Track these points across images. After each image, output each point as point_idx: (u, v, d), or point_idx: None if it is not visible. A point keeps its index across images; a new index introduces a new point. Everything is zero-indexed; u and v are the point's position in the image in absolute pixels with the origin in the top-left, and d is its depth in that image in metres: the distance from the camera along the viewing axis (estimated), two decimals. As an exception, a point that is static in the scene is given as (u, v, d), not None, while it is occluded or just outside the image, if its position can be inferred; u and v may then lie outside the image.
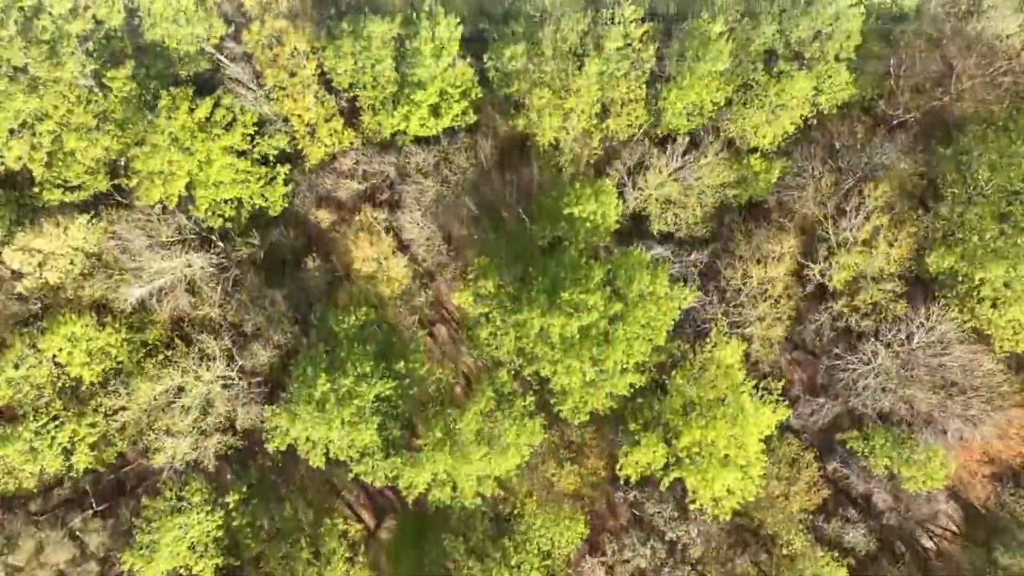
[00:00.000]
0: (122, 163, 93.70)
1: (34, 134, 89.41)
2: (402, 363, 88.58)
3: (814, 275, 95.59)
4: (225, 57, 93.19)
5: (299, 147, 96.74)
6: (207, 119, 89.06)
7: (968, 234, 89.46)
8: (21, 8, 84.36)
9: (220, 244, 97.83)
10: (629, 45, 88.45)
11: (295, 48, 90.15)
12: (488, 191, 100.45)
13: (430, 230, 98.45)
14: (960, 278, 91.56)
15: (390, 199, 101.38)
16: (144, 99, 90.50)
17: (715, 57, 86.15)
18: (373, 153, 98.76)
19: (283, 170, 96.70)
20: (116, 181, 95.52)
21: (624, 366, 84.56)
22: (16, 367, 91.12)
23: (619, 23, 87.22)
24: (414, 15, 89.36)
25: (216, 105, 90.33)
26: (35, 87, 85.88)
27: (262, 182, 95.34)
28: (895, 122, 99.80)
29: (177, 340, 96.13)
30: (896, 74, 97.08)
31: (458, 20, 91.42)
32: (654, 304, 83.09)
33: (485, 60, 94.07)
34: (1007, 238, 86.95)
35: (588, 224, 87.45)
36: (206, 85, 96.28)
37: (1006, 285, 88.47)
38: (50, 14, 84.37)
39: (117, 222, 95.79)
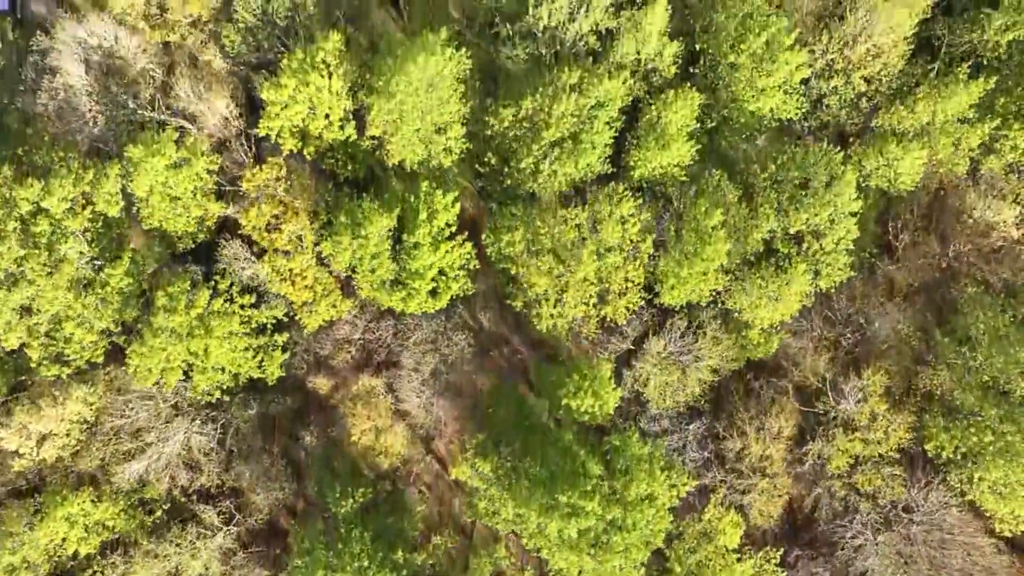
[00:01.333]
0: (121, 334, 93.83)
1: (31, 316, 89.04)
2: (400, 553, 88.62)
3: (812, 454, 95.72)
4: (223, 238, 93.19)
5: (297, 317, 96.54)
6: (205, 309, 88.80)
7: (966, 431, 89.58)
8: (18, 216, 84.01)
9: (216, 414, 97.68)
10: (627, 243, 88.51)
11: (294, 236, 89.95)
12: (487, 357, 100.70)
13: (428, 398, 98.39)
14: (960, 463, 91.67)
15: (388, 359, 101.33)
16: (141, 286, 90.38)
17: (712, 257, 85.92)
18: (371, 319, 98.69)
19: (281, 339, 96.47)
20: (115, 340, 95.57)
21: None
22: (12, 552, 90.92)
23: (618, 221, 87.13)
24: (411, 198, 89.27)
25: (214, 293, 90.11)
26: (33, 281, 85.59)
27: (260, 356, 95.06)
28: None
29: (174, 513, 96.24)
30: (894, 245, 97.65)
31: (455, 195, 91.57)
32: (653, 507, 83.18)
33: (483, 238, 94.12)
34: (1007, 437, 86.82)
35: (586, 415, 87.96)
36: (204, 253, 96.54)
37: (1005, 485, 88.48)
38: (48, 215, 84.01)
39: (114, 388, 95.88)
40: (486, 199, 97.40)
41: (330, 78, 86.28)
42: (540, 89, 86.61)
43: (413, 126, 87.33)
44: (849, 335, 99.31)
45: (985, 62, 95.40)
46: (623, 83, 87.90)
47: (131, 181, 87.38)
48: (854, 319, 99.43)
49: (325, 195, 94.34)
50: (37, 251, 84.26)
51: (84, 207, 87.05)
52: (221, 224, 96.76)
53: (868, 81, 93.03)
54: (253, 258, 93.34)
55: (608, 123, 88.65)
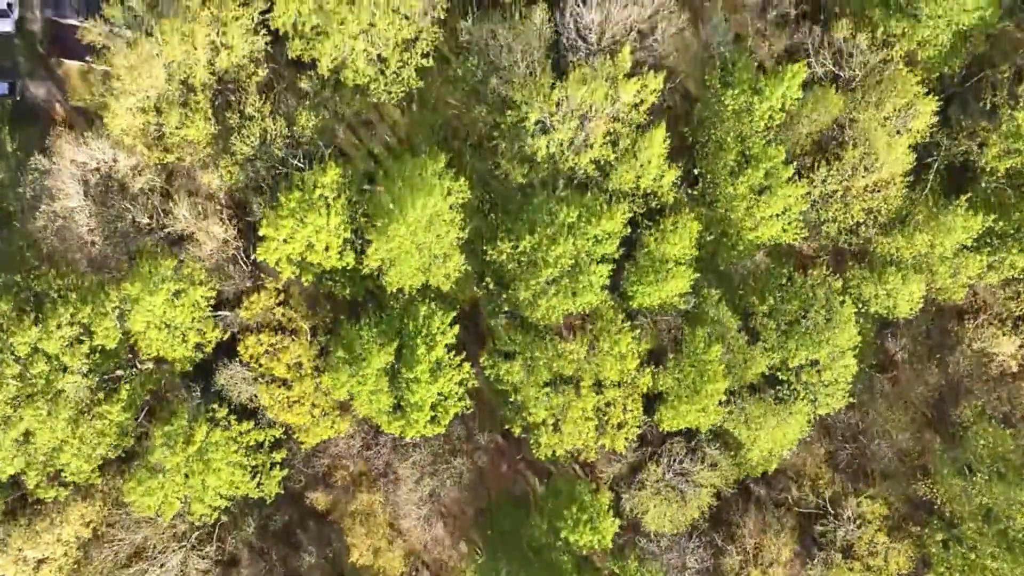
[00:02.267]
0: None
1: (29, 443, 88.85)
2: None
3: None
4: (221, 362, 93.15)
5: (295, 436, 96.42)
6: (203, 441, 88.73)
7: (966, 561, 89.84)
8: (14, 356, 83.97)
9: (215, 532, 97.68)
10: (624, 381, 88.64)
11: (292, 363, 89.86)
12: (486, 478, 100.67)
13: (427, 516, 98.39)
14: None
15: (386, 473, 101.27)
16: (139, 421, 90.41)
17: (711, 395, 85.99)
18: (370, 434, 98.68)
19: (279, 456, 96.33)
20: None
21: None
22: None
23: (617, 357, 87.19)
24: (410, 325, 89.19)
25: (212, 421, 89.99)
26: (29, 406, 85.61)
27: (258, 475, 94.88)
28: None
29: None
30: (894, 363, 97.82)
31: (454, 314, 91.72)
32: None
33: (482, 364, 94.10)
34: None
35: (585, 548, 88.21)
36: (202, 369, 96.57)
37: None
38: (46, 354, 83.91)
39: (111, 501, 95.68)
40: (486, 311, 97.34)
41: (329, 214, 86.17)
42: (538, 229, 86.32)
43: (412, 263, 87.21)
44: (849, 448, 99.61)
45: (983, 184, 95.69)
46: (621, 215, 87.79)
47: (128, 318, 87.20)
48: (854, 434, 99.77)
49: (324, 316, 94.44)
50: (35, 393, 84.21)
51: (82, 339, 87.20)
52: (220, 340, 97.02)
53: (867, 212, 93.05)
54: (251, 380, 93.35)
55: (606, 256, 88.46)
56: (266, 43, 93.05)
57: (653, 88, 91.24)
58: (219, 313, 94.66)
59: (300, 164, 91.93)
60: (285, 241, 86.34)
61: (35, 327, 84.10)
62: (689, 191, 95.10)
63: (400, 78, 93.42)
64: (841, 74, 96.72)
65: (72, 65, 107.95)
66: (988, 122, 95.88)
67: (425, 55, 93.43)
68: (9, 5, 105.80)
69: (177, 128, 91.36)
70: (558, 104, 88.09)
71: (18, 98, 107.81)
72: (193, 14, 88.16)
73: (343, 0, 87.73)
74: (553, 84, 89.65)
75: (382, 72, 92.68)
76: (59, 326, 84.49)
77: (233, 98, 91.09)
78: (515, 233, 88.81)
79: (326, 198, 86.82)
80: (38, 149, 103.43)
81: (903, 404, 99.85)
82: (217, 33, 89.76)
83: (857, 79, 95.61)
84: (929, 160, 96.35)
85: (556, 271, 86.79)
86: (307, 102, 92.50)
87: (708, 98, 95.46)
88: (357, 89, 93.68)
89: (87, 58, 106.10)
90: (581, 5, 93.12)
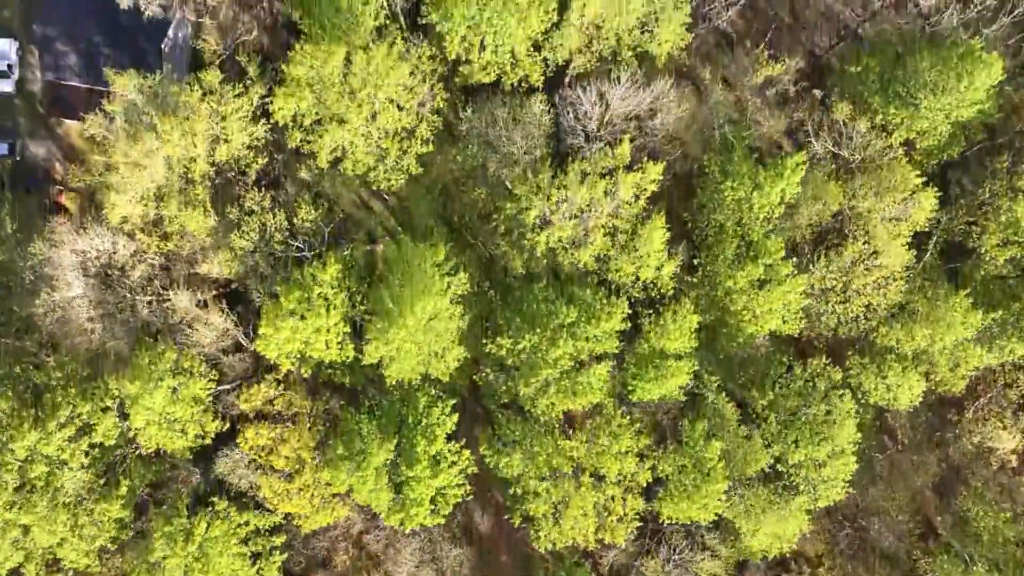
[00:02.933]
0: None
1: (26, 538, 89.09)
2: None
3: None
4: (221, 453, 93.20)
5: (295, 522, 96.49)
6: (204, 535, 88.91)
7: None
8: (9, 466, 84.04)
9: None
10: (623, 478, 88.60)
11: (292, 454, 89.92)
12: (486, 564, 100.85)
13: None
14: None
15: (385, 560, 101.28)
16: (139, 512, 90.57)
17: (711, 494, 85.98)
18: (369, 518, 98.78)
19: (279, 540, 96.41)
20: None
21: None
22: None
23: (616, 456, 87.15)
24: (409, 417, 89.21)
25: (213, 514, 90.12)
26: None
27: (258, 562, 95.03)
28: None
29: None
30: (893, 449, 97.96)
31: (453, 402, 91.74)
32: None
33: (482, 452, 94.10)
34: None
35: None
36: (202, 454, 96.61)
37: None
38: (45, 457, 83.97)
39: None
40: (486, 396, 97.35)
41: (328, 313, 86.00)
42: (538, 330, 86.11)
43: (411, 360, 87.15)
44: (849, 529, 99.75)
45: (983, 272, 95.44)
46: (621, 313, 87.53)
47: (128, 417, 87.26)
48: (854, 513, 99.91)
49: (324, 402, 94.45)
50: (33, 494, 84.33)
51: (81, 434, 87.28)
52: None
53: (867, 306, 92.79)
54: (252, 467, 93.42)
55: (606, 353, 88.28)
56: (266, 130, 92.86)
57: (653, 178, 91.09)
58: (220, 387, 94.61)
59: (300, 251, 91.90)
60: (286, 341, 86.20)
61: (34, 431, 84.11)
62: (688, 278, 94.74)
63: (400, 165, 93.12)
64: (841, 153, 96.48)
65: (72, 125, 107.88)
66: (987, 208, 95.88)
67: (425, 142, 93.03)
68: (9, 66, 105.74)
69: (176, 217, 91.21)
70: (558, 203, 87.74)
71: (18, 158, 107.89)
72: (193, 109, 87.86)
73: (342, 95, 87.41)
74: (554, 176, 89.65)
75: (382, 159, 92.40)
76: (59, 426, 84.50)
77: (233, 189, 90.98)
78: (514, 327, 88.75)
79: (326, 296, 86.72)
80: (38, 214, 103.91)
81: (903, 484, 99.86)
82: (216, 126, 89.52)
83: (856, 161, 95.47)
84: (928, 232, 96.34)
85: (556, 372, 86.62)
86: (306, 194, 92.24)
87: (707, 184, 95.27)
88: (357, 176, 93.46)
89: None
90: (580, 95, 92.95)
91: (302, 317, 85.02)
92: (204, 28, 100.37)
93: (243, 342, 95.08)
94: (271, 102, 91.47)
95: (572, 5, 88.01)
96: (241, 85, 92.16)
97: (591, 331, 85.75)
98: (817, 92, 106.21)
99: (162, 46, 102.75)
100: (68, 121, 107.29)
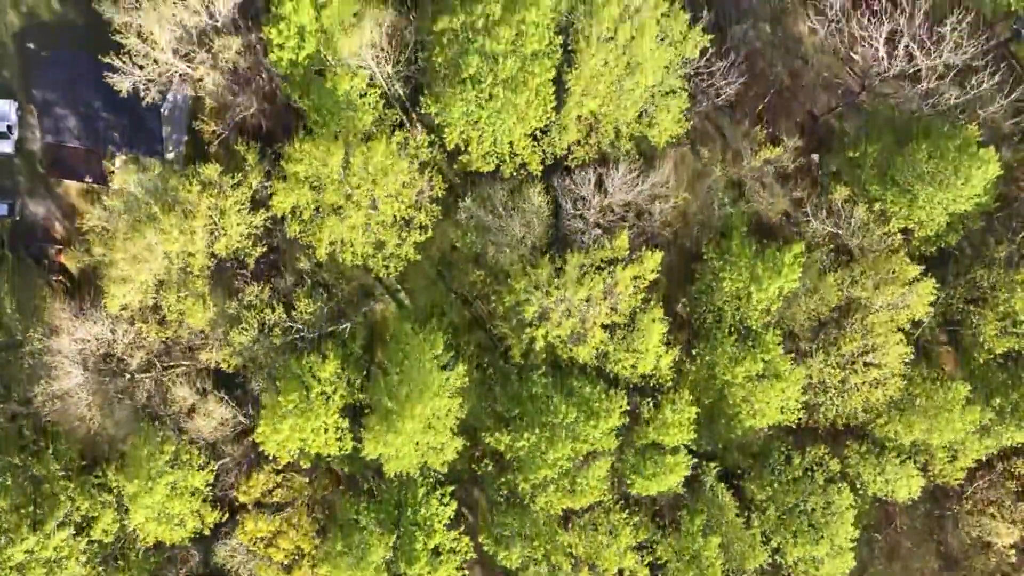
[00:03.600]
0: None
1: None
2: None
3: None
4: (221, 542, 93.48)
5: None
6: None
7: None
8: (7, 572, 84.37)
9: None
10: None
11: (291, 546, 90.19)
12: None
13: None
14: None
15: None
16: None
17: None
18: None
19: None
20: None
21: None
22: None
23: (616, 553, 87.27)
24: (408, 509, 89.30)
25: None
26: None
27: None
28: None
29: None
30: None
31: (451, 488, 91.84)
32: None
33: (481, 541, 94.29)
34: None
35: None
36: (201, 542, 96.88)
37: None
38: (43, 560, 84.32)
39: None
40: (485, 485, 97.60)
41: (327, 411, 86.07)
42: (537, 429, 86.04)
43: (410, 457, 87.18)
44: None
45: (981, 361, 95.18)
46: (619, 411, 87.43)
47: (127, 515, 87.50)
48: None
49: (324, 487, 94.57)
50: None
51: (80, 530, 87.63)
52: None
53: (865, 401, 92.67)
54: (251, 555, 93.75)
55: (605, 451, 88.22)
56: (265, 219, 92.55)
57: (651, 267, 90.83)
58: (220, 468, 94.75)
59: (299, 336, 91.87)
60: (286, 440, 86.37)
61: (33, 535, 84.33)
62: (687, 363, 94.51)
63: (399, 253, 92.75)
64: (839, 233, 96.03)
65: (71, 184, 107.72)
66: (986, 294, 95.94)
67: (423, 229, 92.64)
68: (9, 127, 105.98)
69: (175, 307, 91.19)
70: (556, 301, 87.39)
71: (17, 218, 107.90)
72: (193, 204, 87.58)
73: (340, 191, 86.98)
74: (554, 268, 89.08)
75: (380, 247, 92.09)
76: (59, 526, 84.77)
77: (232, 280, 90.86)
78: (513, 421, 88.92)
79: (325, 393, 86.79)
80: (37, 273, 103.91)
81: (901, 567, 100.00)
82: (216, 220, 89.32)
83: (855, 245, 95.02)
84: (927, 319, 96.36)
85: (554, 472, 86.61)
86: (305, 286, 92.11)
87: (705, 272, 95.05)
88: (355, 266, 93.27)
89: (87, 179, 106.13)
90: (578, 184, 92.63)
91: (302, 414, 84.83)
92: (203, 107, 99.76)
93: (242, 420, 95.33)
94: (270, 186, 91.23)
95: (570, 102, 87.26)
96: (240, 174, 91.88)
97: (590, 431, 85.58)
98: (815, 157, 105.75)
99: (161, 109, 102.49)
100: (67, 181, 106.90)
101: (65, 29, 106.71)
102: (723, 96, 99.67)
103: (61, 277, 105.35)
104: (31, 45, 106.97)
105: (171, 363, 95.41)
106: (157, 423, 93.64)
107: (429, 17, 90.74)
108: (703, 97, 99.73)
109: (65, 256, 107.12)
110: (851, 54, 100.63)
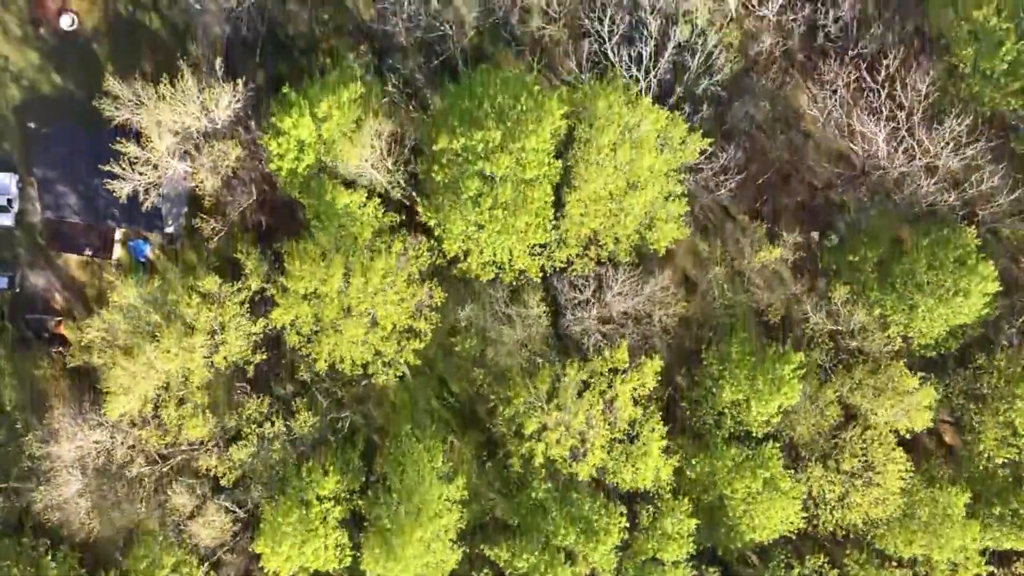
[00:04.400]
0: None
1: None
2: None
3: None
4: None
5: None
6: None
7: None
8: None
9: None
10: None
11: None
12: None
13: None
14: None
15: None
16: None
17: None
18: None
19: None
20: None
21: None
22: None
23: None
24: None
25: None
26: None
27: None
28: None
29: None
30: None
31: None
32: None
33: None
34: None
35: None
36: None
37: None
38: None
39: None
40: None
41: (327, 531, 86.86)
42: (536, 552, 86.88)
43: (409, 574, 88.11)
44: None
45: (981, 465, 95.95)
46: (618, 530, 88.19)
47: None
48: None
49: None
50: None
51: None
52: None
53: (865, 516, 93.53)
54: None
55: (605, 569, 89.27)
56: (264, 326, 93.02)
57: (651, 377, 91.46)
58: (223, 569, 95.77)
59: (298, 447, 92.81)
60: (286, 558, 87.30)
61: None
62: (687, 471, 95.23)
63: (397, 359, 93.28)
64: (839, 328, 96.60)
65: (71, 256, 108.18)
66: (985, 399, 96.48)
67: (421, 336, 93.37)
68: (9, 201, 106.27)
69: (174, 415, 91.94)
70: (556, 422, 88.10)
71: (17, 290, 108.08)
72: (192, 318, 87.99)
73: (340, 309, 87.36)
74: (553, 384, 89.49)
75: (379, 355, 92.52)
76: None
77: (232, 392, 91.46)
78: (514, 535, 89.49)
79: (323, 501, 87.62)
80: (37, 346, 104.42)
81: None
82: (216, 335, 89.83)
83: (854, 347, 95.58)
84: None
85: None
86: (304, 397, 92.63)
87: (704, 378, 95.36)
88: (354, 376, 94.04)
89: (87, 252, 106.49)
90: (577, 295, 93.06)
91: (300, 540, 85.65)
92: (202, 203, 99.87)
93: (242, 516, 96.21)
94: (271, 287, 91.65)
95: (569, 223, 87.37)
96: (239, 283, 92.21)
97: (589, 552, 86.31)
98: (815, 235, 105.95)
99: (161, 189, 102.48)
100: (68, 254, 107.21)
101: (65, 103, 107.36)
102: (723, 190, 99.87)
103: (61, 349, 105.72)
104: (32, 123, 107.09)
105: (170, 468, 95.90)
106: (158, 527, 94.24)
107: (427, 123, 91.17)
108: (703, 192, 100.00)
109: (65, 327, 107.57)
110: (851, 146, 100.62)
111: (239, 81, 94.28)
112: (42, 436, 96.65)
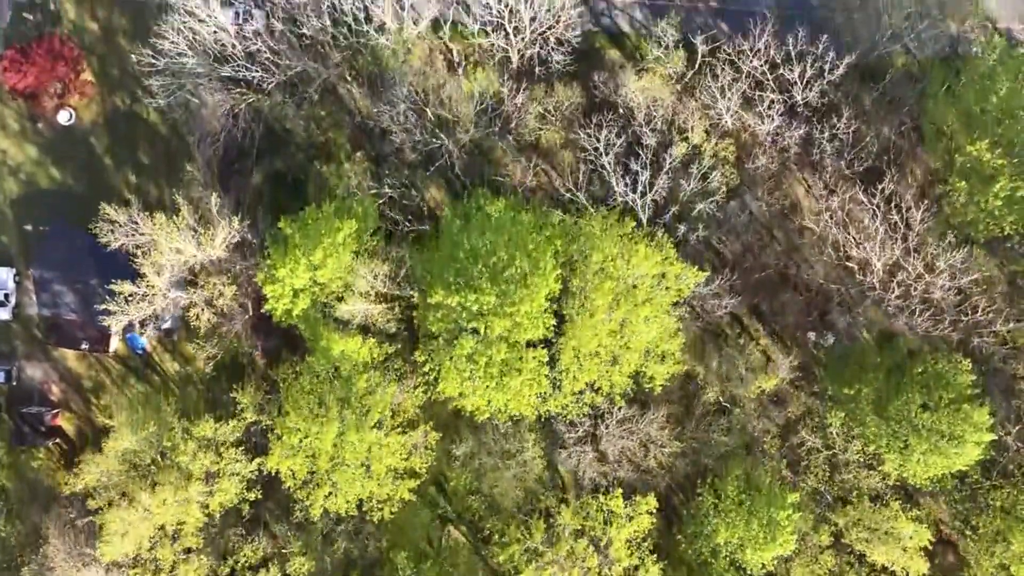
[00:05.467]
0: None
1: None
2: None
3: None
4: None
5: None
6: None
7: None
8: None
9: None
10: None
11: None
12: None
13: None
14: None
15: None
16: None
17: None
18: None
19: None
20: None
21: None
22: None
23: None
24: None
25: None
26: None
27: None
28: None
29: None
30: None
31: None
32: None
33: None
34: None
35: None
36: None
37: None
38: None
39: None
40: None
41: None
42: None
43: None
44: None
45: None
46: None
47: None
48: None
49: None
50: None
51: None
52: None
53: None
54: None
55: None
56: (259, 464, 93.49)
57: (646, 521, 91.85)
58: None
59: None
60: None
61: None
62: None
63: (393, 497, 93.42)
64: (835, 454, 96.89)
65: (67, 351, 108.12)
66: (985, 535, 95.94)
67: (416, 475, 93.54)
68: (6, 295, 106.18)
69: (169, 559, 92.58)
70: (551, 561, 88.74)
71: (14, 383, 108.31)
72: (187, 473, 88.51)
73: (334, 461, 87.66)
74: (547, 531, 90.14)
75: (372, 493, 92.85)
76: None
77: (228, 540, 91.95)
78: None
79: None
80: (35, 437, 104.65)
81: None
82: (210, 479, 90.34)
83: (849, 485, 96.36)
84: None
85: None
86: (300, 542, 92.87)
87: (700, 515, 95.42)
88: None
89: (84, 347, 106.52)
90: (573, 431, 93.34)
91: None
92: (197, 331, 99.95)
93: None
94: (265, 419, 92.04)
95: (564, 379, 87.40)
96: (234, 419, 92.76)
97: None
98: (812, 335, 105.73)
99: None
100: (64, 348, 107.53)
101: (63, 196, 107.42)
102: (720, 314, 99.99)
103: (59, 440, 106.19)
104: (29, 224, 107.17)
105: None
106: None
107: (424, 261, 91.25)
108: (700, 315, 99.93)
109: (62, 418, 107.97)
110: (847, 264, 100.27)
111: (235, 219, 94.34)
112: (38, 572, 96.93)
